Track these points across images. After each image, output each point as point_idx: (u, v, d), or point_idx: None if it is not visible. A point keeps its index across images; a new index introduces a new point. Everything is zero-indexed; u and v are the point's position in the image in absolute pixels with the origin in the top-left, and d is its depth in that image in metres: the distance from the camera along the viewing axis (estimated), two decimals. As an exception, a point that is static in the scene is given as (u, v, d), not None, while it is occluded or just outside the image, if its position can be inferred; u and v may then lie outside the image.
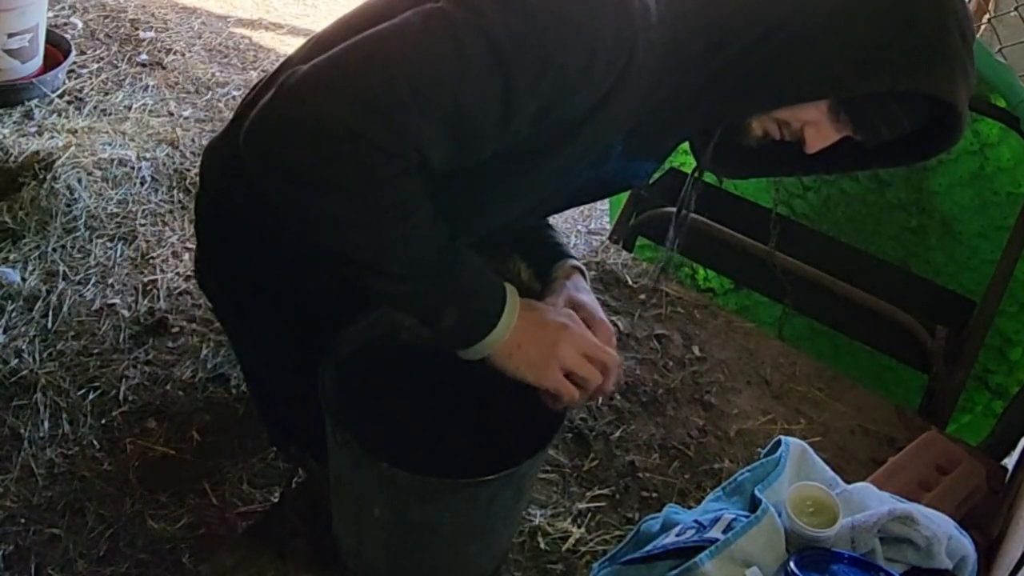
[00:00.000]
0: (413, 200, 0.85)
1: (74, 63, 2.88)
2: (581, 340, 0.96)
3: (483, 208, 0.99)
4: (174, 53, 3.13)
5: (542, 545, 1.07)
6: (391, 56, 0.81)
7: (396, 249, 0.86)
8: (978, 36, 1.93)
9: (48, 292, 2.09)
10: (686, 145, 1.97)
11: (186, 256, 2.32)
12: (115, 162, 2.46)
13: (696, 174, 1.12)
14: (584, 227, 2.86)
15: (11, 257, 2.16)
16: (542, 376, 0.94)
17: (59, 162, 2.35)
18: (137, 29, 3.20)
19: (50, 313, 2.04)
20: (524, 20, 0.81)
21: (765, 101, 0.93)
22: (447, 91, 0.81)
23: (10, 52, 2.62)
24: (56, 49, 2.84)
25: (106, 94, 2.83)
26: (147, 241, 2.32)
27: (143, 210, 2.41)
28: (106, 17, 3.25)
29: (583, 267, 1.15)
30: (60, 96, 2.75)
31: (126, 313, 2.10)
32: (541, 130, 0.88)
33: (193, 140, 2.69)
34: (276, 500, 1.67)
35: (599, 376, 0.96)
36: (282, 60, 1.14)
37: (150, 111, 2.80)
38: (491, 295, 0.93)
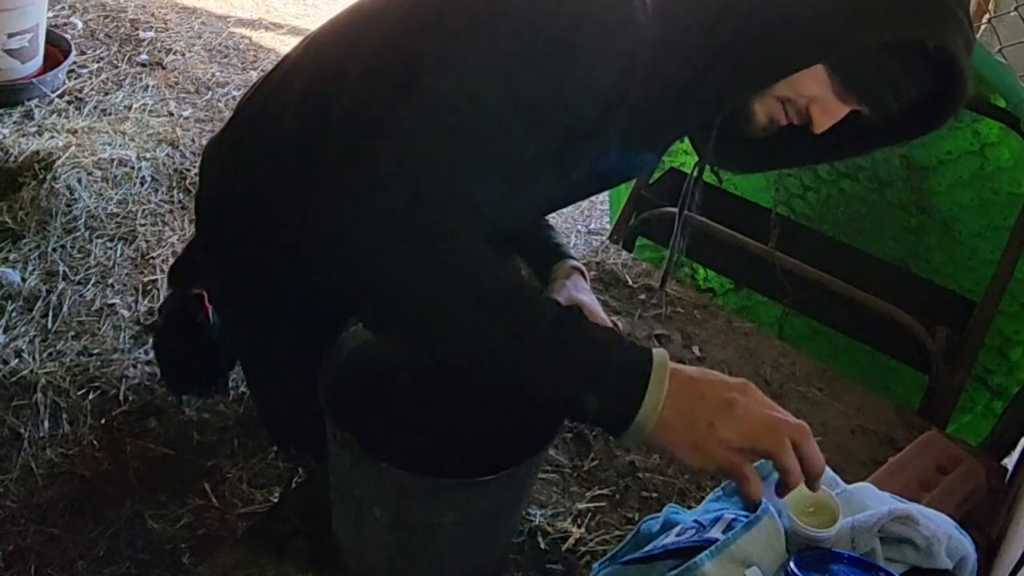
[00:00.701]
0: (504, 279, 0.80)
1: (74, 63, 2.88)
2: (748, 411, 0.78)
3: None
4: (174, 53, 3.13)
5: (542, 545, 1.07)
6: (419, 161, 0.78)
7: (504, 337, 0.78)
8: (978, 36, 1.93)
9: (48, 292, 2.09)
10: (687, 145, 1.98)
11: (186, 256, 2.32)
12: (115, 162, 2.46)
13: (696, 173, 1.11)
14: (584, 227, 2.86)
15: (11, 257, 2.16)
16: (704, 462, 0.79)
17: (59, 162, 2.35)
18: (137, 29, 3.21)
19: (50, 313, 2.04)
20: (523, 69, 0.79)
21: (762, 78, 0.91)
22: (484, 154, 0.79)
23: (10, 52, 2.62)
24: (56, 49, 2.84)
25: (106, 94, 2.83)
26: (147, 241, 2.32)
27: (143, 210, 2.41)
28: (106, 17, 3.25)
29: (583, 267, 1.15)
30: (60, 96, 2.75)
31: (126, 313, 2.10)
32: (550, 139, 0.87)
33: (193, 140, 2.69)
34: (276, 500, 1.67)
35: (782, 442, 0.78)
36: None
37: (150, 111, 2.80)
38: (629, 369, 0.79)
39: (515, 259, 1.12)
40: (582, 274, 1.15)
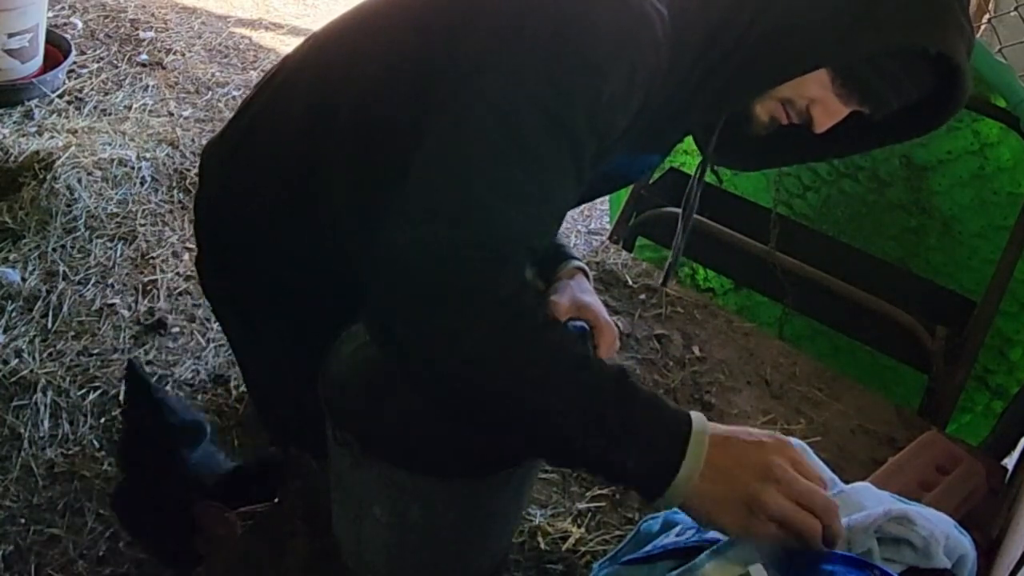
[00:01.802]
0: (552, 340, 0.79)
1: (74, 63, 2.88)
2: (789, 482, 0.77)
3: None
4: (174, 53, 3.13)
5: (542, 545, 1.07)
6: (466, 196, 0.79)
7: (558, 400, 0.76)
8: (978, 36, 1.93)
9: (48, 292, 2.09)
10: (687, 145, 1.98)
11: (186, 256, 2.32)
12: (115, 162, 2.46)
13: (699, 173, 1.11)
14: (584, 227, 2.86)
15: (11, 257, 2.16)
16: (743, 530, 0.77)
17: (59, 162, 2.36)
18: (137, 29, 3.21)
19: (50, 313, 2.05)
20: (550, 82, 0.80)
21: (765, 81, 0.92)
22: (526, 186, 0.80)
23: (10, 52, 2.62)
24: (56, 49, 2.84)
25: (106, 94, 2.83)
26: (147, 241, 2.32)
27: (143, 210, 2.41)
28: (106, 17, 3.25)
29: (586, 268, 1.15)
30: (60, 96, 2.75)
31: (126, 313, 2.10)
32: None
33: (193, 140, 2.69)
34: (276, 500, 1.67)
35: (815, 526, 0.76)
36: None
37: (150, 111, 2.80)
38: (667, 434, 0.78)
39: None
40: (585, 274, 1.15)
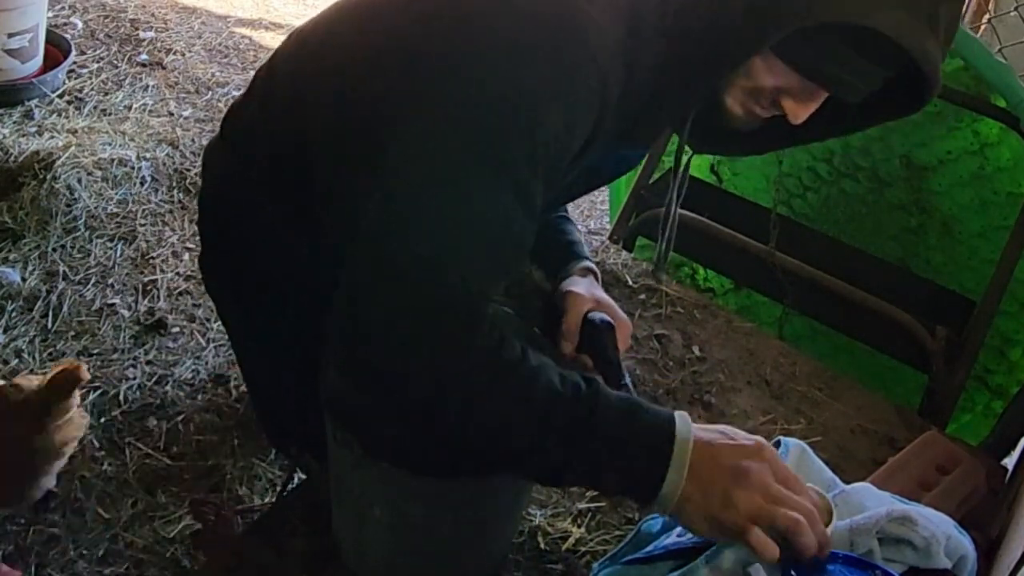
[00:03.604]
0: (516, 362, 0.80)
1: (74, 63, 2.88)
2: (761, 484, 0.77)
3: None
4: (174, 53, 3.13)
5: (542, 545, 1.07)
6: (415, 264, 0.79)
7: (522, 421, 0.79)
8: (978, 36, 1.93)
9: (48, 292, 2.09)
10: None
11: (186, 256, 2.32)
12: (115, 162, 2.45)
13: (678, 164, 1.12)
14: (584, 227, 2.86)
15: (11, 257, 2.16)
16: (717, 533, 0.78)
17: (59, 162, 2.35)
18: (137, 29, 3.20)
19: (50, 313, 2.04)
20: (491, 115, 0.79)
21: (711, 70, 0.89)
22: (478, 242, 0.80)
23: (10, 52, 2.62)
24: (56, 49, 2.84)
25: (106, 94, 2.83)
26: (147, 241, 2.32)
27: (143, 210, 2.41)
28: (106, 17, 3.25)
29: (595, 268, 1.15)
30: (60, 96, 2.75)
31: (126, 313, 2.10)
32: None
33: (193, 140, 2.69)
34: (276, 500, 1.67)
35: (798, 524, 0.75)
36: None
37: (150, 111, 2.80)
38: (647, 450, 0.79)
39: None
40: (595, 275, 1.15)
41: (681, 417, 0.80)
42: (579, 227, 1.34)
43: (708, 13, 0.86)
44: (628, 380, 1.00)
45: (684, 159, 1.14)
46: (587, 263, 1.15)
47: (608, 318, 1.06)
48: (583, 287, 1.08)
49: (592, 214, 2.90)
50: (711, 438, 0.80)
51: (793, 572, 0.78)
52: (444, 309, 0.78)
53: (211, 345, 2.05)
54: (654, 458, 0.78)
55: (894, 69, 0.88)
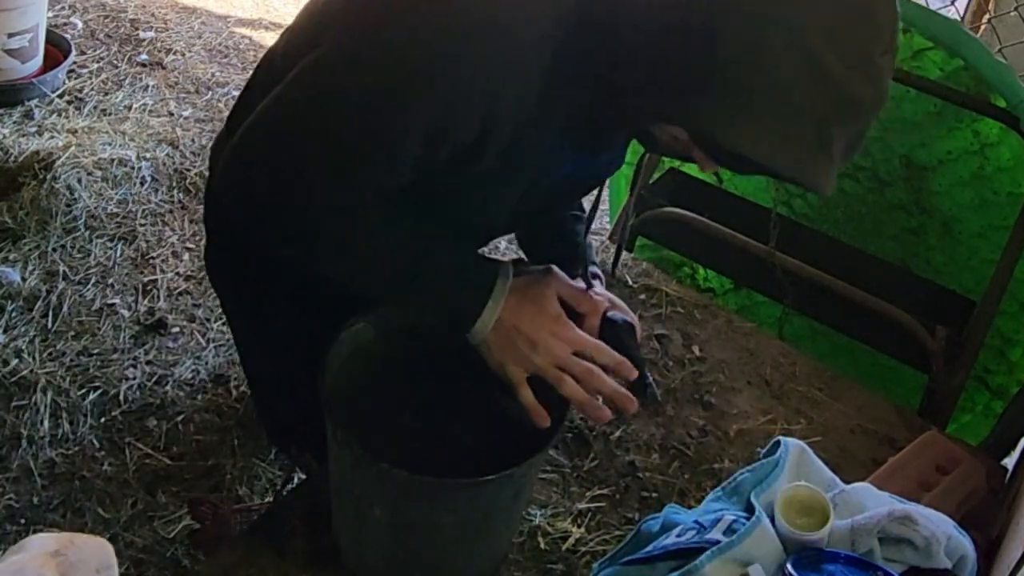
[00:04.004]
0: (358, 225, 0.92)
1: (74, 63, 2.88)
2: (547, 348, 0.94)
3: (459, 221, 1.00)
4: (174, 53, 3.13)
5: (542, 545, 1.07)
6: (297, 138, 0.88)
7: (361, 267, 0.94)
8: (978, 36, 1.93)
9: (48, 292, 2.09)
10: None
11: (186, 256, 2.32)
12: (115, 162, 2.46)
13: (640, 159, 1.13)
14: (584, 227, 2.86)
15: (11, 257, 2.16)
16: (500, 371, 0.96)
17: (59, 162, 2.36)
18: (137, 29, 3.21)
19: (50, 313, 2.05)
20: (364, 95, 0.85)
21: (630, 116, 0.90)
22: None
23: (10, 52, 2.62)
24: (56, 49, 2.84)
25: (106, 94, 2.83)
26: (147, 241, 2.32)
27: (143, 210, 2.41)
28: (106, 17, 3.25)
29: (600, 272, 1.16)
30: (60, 96, 2.75)
31: (126, 313, 2.10)
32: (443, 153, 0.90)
33: (193, 140, 2.69)
34: (275, 500, 1.67)
35: (559, 379, 0.95)
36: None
37: (150, 111, 2.80)
38: (472, 290, 0.95)
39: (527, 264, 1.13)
40: (600, 280, 1.15)
41: (504, 274, 0.95)
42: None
43: (619, 83, 0.86)
44: (651, 379, 1.02)
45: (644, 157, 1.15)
46: (593, 268, 1.16)
47: (629, 318, 1.07)
48: (597, 287, 1.09)
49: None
50: (524, 297, 0.96)
51: (791, 570, 0.78)
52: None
53: (211, 345, 2.05)
54: (471, 303, 0.94)
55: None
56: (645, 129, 0.93)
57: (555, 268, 1.02)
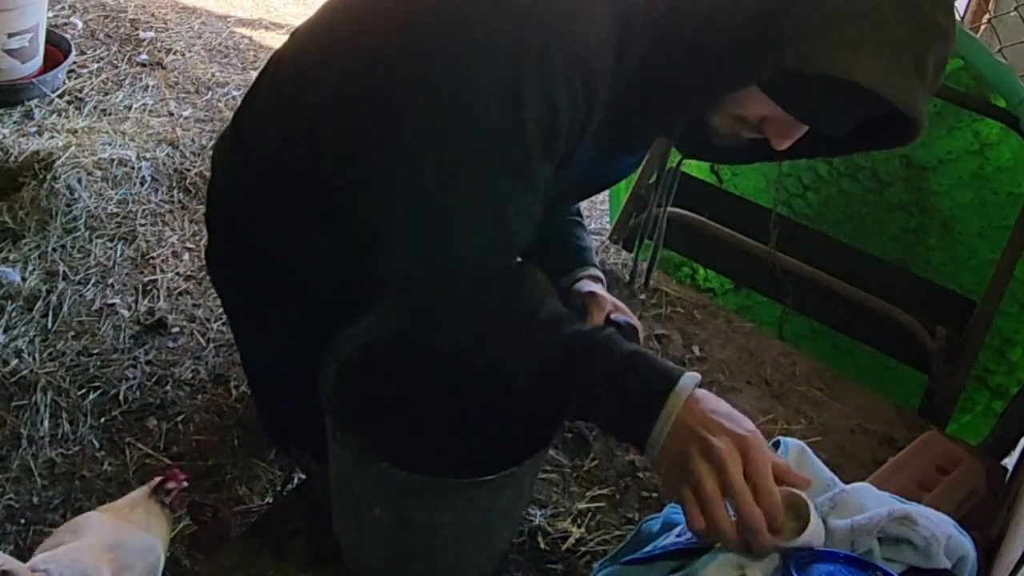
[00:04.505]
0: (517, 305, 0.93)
1: (74, 63, 2.88)
2: (724, 467, 0.79)
3: None
4: (174, 53, 3.13)
5: (542, 545, 1.07)
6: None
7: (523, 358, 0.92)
8: (978, 36, 1.93)
9: (48, 292, 2.09)
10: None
11: (186, 256, 2.32)
12: (115, 162, 2.46)
13: (663, 164, 1.13)
14: (584, 227, 2.86)
15: (11, 257, 2.16)
16: (669, 491, 0.86)
17: (59, 162, 2.35)
18: (137, 29, 3.20)
19: (50, 313, 2.04)
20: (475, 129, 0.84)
21: (697, 99, 0.90)
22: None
23: (10, 52, 2.62)
24: (56, 49, 2.84)
25: (106, 94, 2.83)
26: (147, 241, 2.32)
27: (143, 210, 2.41)
28: (106, 17, 3.25)
29: (601, 275, 1.16)
30: (60, 96, 2.75)
31: (126, 313, 2.10)
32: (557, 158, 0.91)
33: (193, 140, 2.69)
34: (275, 500, 1.67)
35: (719, 523, 0.79)
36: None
37: (150, 111, 2.80)
38: (646, 389, 0.85)
39: (529, 265, 1.13)
40: (602, 284, 1.15)
41: (690, 376, 0.84)
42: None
43: (699, 42, 0.86)
44: None
45: (672, 163, 1.15)
46: (595, 271, 1.16)
47: (632, 321, 1.07)
48: (600, 290, 1.09)
49: (592, 214, 2.90)
50: (708, 407, 0.83)
51: (792, 571, 0.78)
52: (462, 283, 0.91)
53: (211, 345, 2.05)
54: (647, 401, 0.83)
55: (878, 110, 0.87)
56: (703, 119, 0.93)
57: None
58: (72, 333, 2.02)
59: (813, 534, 0.80)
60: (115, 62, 3.00)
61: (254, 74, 3.12)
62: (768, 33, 0.81)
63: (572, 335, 0.88)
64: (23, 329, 2.00)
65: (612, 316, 1.06)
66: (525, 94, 0.82)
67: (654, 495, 1.17)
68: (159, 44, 3.16)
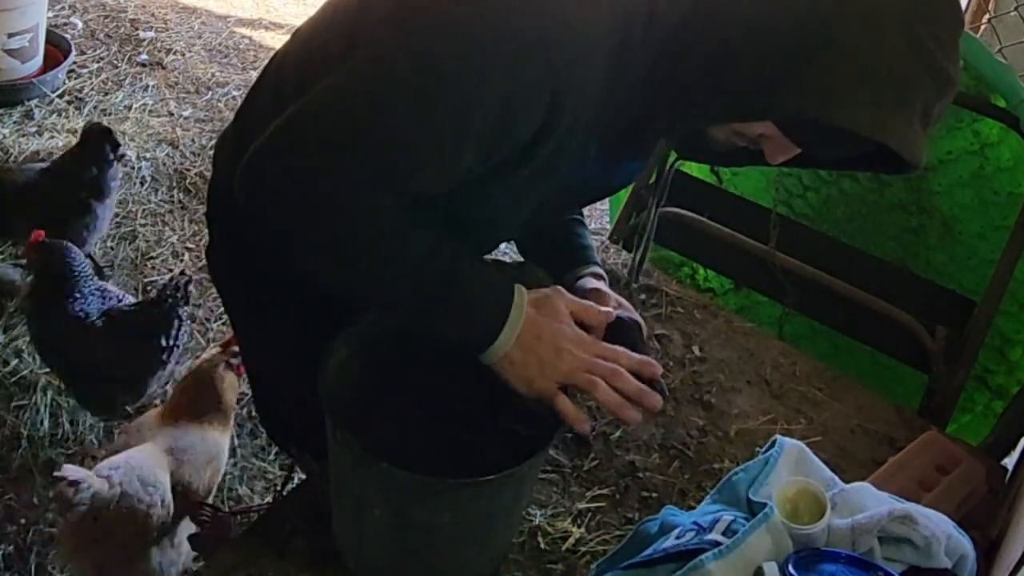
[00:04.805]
0: (391, 232, 0.89)
1: (74, 63, 2.88)
2: (573, 357, 0.92)
3: (473, 226, 0.99)
4: (174, 53, 3.13)
5: (542, 545, 1.08)
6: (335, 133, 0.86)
7: (388, 279, 0.91)
8: (978, 36, 1.93)
9: (48, 292, 2.09)
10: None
11: (186, 256, 2.32)
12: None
13: (667, 166, 1.12)
14: (584, 227, 2.86)
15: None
16: (538, 396, 0.93)
17: (59, 162, 2.35)
18: (137, 29, 3.21)
19: (50, 313, 2.04)
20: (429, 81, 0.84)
21: (700, 116, 0.91)
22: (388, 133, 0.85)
23: (10, 52, 2.62)
24: (56, 49, 2.84)
25: (106, 94, 2.83)
26: (147, 241, 2.32)
27: (143, 210, 2.41)
28: (106, 17, 3.25)
29: (604, 273, 1.16)
30: (60, 96, 2.75)
31: (126, 313, 2.10)
32: (496, 157, 0.90)
33: (193, 140, 2.69)
34: (275, 500, 1.67)
35: (591, 383, 0.92)
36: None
37: (150, 111, 2.80)
38: (493, 306, 0.92)
39: (530, 264, 1.13)
40: (604, 280, 1.16)
41: (519, 290, 0.94)
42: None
43: (708, 66, 0.87)
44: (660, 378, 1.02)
45: (669, 162, 1.15)
46: (598, 268, 1.16)
47: (635, 317, 1.08)
48: (603, 287, 1.09)
49: (592, 214, 2.91)
50: (540, 314, 0.94)
51: (792, 570, 0.78)
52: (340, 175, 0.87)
53: (211, 345, 2.05)
54: (493, 319, 0.92)
55: (878, 147, 0.87)
56: (700, 130, 0.94)
57: (560, 287, 1.00)
58: (72, 333, 2.02)
59: (825, 525, 0.82)
60: (115, 62, 3.01)
61: (254, 74, 3.13)
62: (791, 77, 0.82)
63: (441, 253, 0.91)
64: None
65: (616, 313, 1.06)
66: (487, 92, 0.84)
67: (654, 495, 1.17)
68: (159, 44, 3.16)
